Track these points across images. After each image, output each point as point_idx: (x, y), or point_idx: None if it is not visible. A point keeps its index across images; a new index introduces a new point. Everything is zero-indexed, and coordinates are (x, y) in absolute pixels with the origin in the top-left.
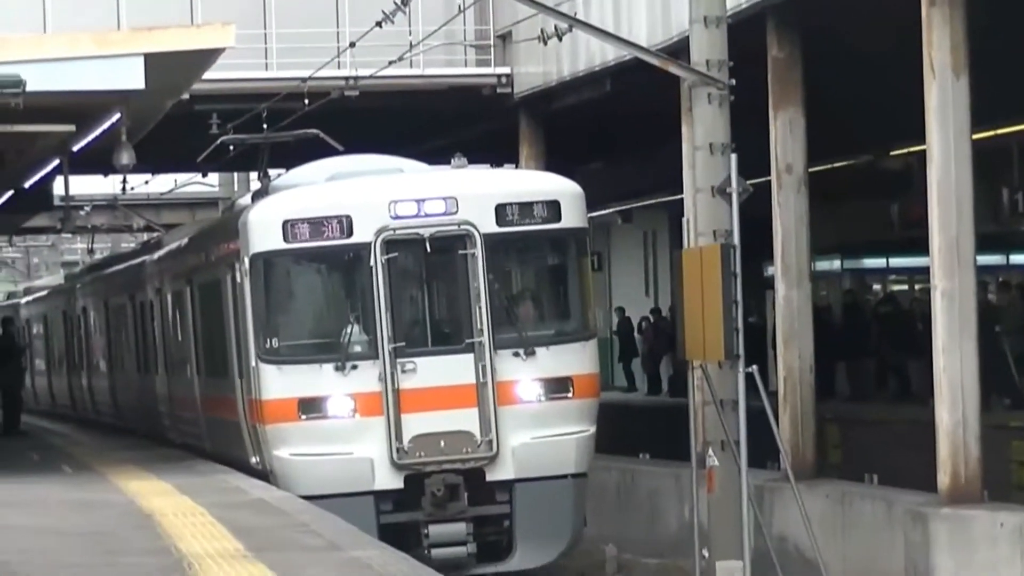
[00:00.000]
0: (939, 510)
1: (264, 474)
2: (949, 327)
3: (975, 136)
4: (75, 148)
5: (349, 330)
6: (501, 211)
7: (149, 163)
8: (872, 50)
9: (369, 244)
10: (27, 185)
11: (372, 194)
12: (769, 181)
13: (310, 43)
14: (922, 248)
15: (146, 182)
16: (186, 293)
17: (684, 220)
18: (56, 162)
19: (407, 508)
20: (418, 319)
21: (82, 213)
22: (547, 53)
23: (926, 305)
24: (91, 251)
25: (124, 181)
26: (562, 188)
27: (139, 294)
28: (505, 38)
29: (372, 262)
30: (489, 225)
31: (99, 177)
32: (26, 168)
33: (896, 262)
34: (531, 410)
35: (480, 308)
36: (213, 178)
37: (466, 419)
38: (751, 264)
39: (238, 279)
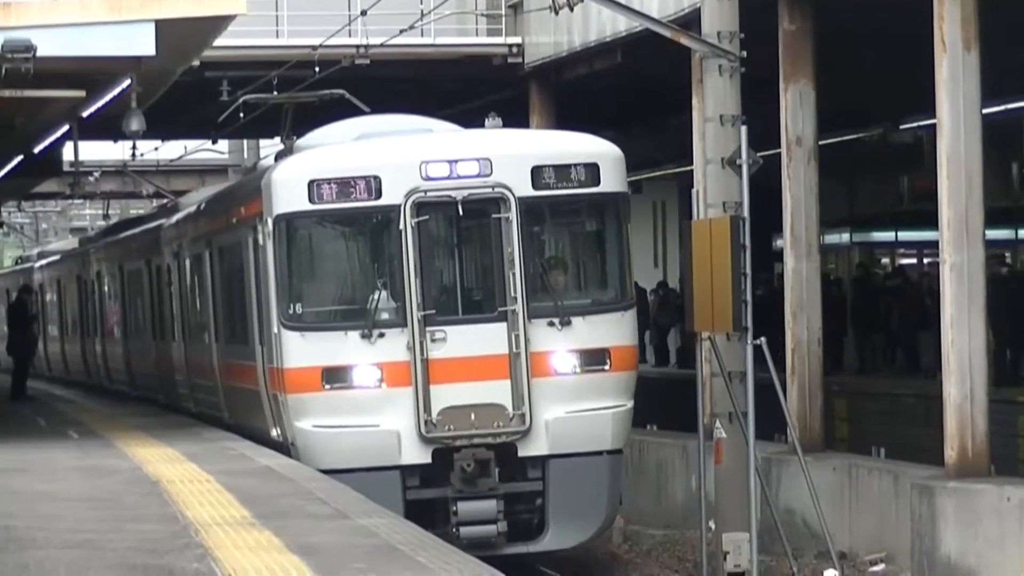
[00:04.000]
0: (946, 484)
1: (285, 446)
2: (958, 301)
3: (985, 110)
4: (85, 114)
5: (376, 296)
6: (537, 173)
7: (159, 129)
8: (883, 23)
9: (399, 206)
10: (37, 150)
11: (402, 154)
12: (779, 153)
13: (321, 11)
14: (931, 222)
15: (156, 148)
16: (205, 257)
17: (694, 191)
18: (66, 127)
19: (435, 484)
20: (449, 286)
21: (91, 179)
22: (558, 23)
23: (935, 279)
24: (107, 216)
25: (134, 147)
26: (601, 150)
27: (156, 258)
28: (516, 8)
29: (402, 225)
30: (525, 188)
31: (109, 143)
32: (36, 133)
33: (905, 235)
34: (566, 383)
35: (514, 275)
36: (223, 145)
37: (498, 391)
38: (760, 236)
39: (260, 241)
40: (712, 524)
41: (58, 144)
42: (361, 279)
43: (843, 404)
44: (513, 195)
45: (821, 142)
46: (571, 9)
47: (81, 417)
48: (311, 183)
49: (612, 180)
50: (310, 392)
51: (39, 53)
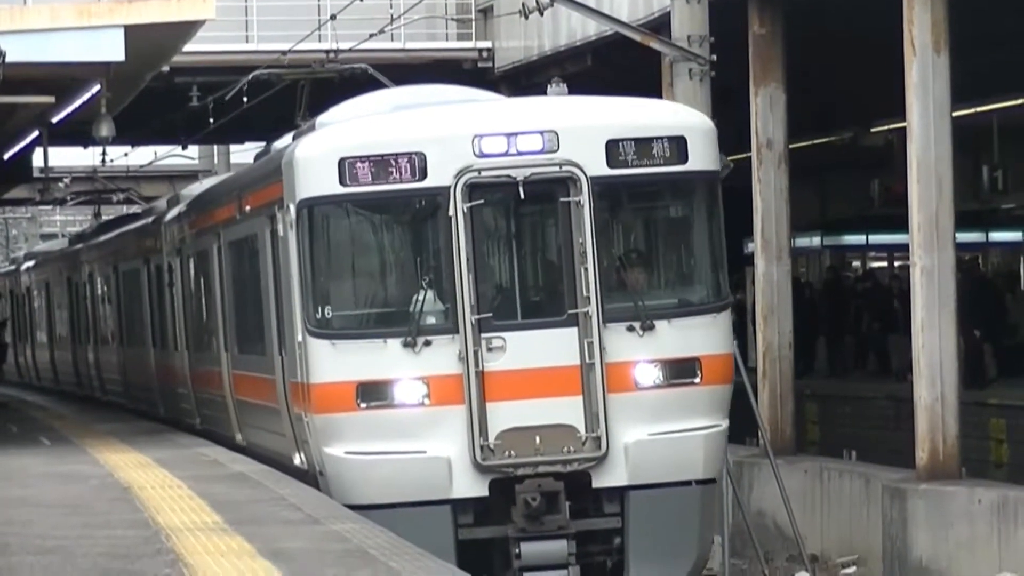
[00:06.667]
0: (917, 486)
1: (311, 475)
2: (928, 304)
3: (955, 114)
4: (55, 119)
5: (421, 297)
6: (613, 149)
7: (129, 135)
8: (853, 27)
9: (448, 189)
10: (6, 157)
11: (451, 126)
12: (749, 157)
13: (291, 16)
14: (902, 225)
15: (125, 154)
16: (212, 253)
17: None
18: (36, 133)
19: (493, 521)
20: (508, 284)
21: (61, 185)
22: (528, 27)
23: (905, 282)
24: (97, 215)
25: (104, 153)
26: (689, 121)
27: (155, 256)
28: (486, 12)
29: (451, 211)
30: (598, 166)
31: (79, 149)
32: (5, 139)
33: (876, 239)
34: (649, 399)
35: (586, 270)
36: (192, 151)
37: (568, 410)
38: (732, 240)
39: (281, 232)
40: None
41: (28, 150)
42: (402, 277)
43: (814, 407)
44: (584, 175)
45: (792, 146)
46: (541, 13)
47: (53, 423)
48: (342, 162)
49: (702, 156)
50: (342, 412)
51: (8, 59)
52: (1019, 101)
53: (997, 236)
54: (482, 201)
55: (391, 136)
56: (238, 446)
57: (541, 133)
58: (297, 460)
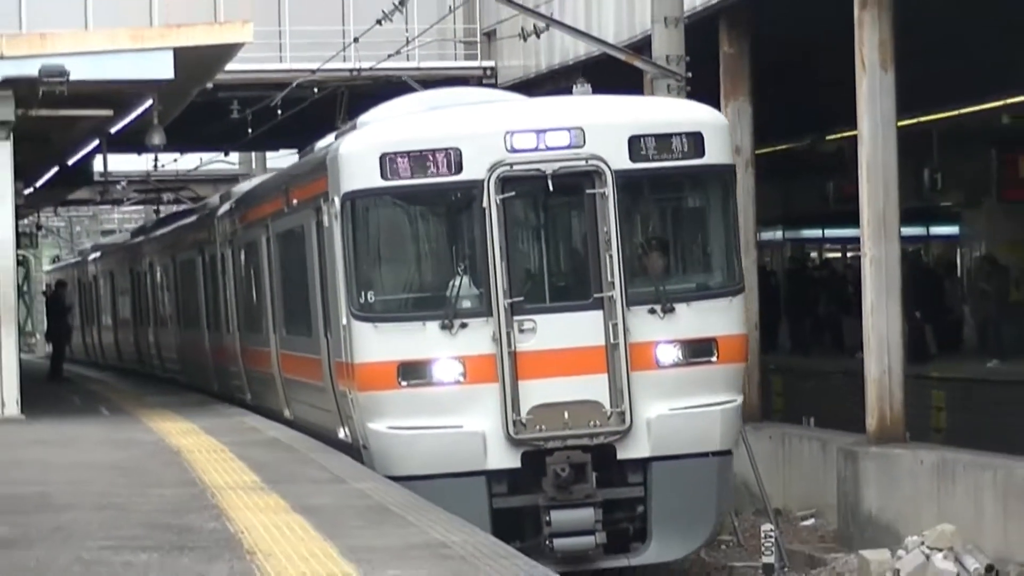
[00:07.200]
0: (867, 449)
1: (355, 448)
2: (877, 290)
3: (900, 123)
4: (113, 130)
5: (457, 283)
6: (635, 144)
7: (178, 143)
8: (811, 47)
9: (481, 182)
10: (70, 162)
11: (485, 124)
12: None
13: (319, 39)
14: (853, 220)
15: (175, 160)
16: (262, 243)
17: None
18: (96, 142)
19: (525, 491)
20: (538, 270)
21: (119, 187)
22: (527, 48)
23: (857, 271)
24: (157, 212)
25: (156, 159)
26: (706, 118)
27: (209, 247)
28: (490, 35)
29: (485, 203)
30: (621, 160)
31: (134, 155)
32: (69, 147)
33: (831, 233)
34: (669, 377)
35: (611, 257)
36: (233, 157)
37: (594, 387)
38: None
39: (326, 223)
40: None
41: (89, 157)
42: (440, 263)
43: (778, 380)
44: (609, 168)
45: (758, 151)
46: (538, 36)
47: (111, 396)
48: (383, 157)
49: (717, 151)
50: (384, 390)
51: (72, 77)
52: (954, 112)
53: (937, 230)
54: (513, 193)
55: (428, 133)
56: (286, 420)
57: (568, 130)
58: (342, 434)
